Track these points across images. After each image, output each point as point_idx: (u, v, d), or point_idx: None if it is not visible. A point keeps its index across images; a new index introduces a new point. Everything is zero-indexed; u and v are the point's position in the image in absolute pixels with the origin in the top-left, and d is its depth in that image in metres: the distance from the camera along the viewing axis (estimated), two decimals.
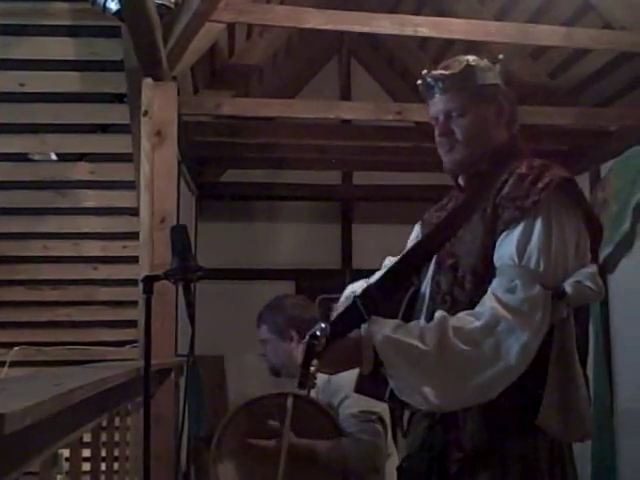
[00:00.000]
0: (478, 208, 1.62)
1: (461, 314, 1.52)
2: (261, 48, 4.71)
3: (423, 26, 3.59)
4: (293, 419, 2.42)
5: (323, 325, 1.53)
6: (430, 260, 1.68)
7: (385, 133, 4.80)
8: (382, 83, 5.99)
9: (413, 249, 1.73)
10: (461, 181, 1.78)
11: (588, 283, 1.50)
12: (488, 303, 1.50)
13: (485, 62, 1.72)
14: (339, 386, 2.53)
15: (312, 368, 1.51)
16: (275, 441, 2.40)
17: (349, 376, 2.58)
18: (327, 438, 2.48)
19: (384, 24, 3.58)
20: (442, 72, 1.71)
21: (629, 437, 4.17)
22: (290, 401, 2.45)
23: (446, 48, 4.79)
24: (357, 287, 1.84)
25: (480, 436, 1.53)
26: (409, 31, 3.59)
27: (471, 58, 1.71)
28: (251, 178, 5.77)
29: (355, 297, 1.61)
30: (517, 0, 4.28)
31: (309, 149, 5.19)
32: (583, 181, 4.76)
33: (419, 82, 1.76)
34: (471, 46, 3.71)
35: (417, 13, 4.70)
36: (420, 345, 1.47)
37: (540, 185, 1.54)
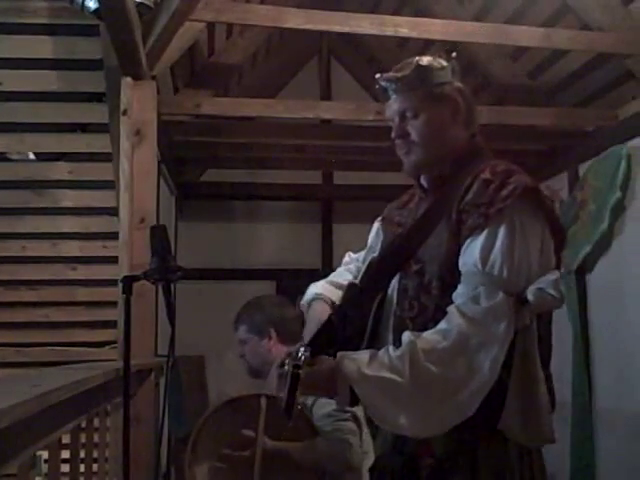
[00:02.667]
0: (444, 213, 1.62)
1: (428, 334, 1.52)
2: (241, 48, 4.71)
3: (403, 26, 3.60)
4: (267, 420, 2.43)
5: (304, 349, 1.53)
6: (399, 270, 1.68)
7: (365, 133, 4.81)
8: (362, 83, 6.00)
9: (381, 260, 1.74)
10: (423, 181, 1.78)
11: (550, 290, 1.50)
12: (454, 320, 1.50)
13: (438, 61, 1.72)
14: None
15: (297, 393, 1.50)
16: (249, 450, 2.40)
17: None
18: (302, 438, 2.49)
19: (364, 24, 3.59)
20: (394, 74, 1.72)
21: (608, 435, 4.20)
22: (264, 402, 2.46)
23: (426, 48, 4.81)
24: (319, 287, 1.88)
25: (450, 441, 1.54)
26: (389, 31, 3.60)
27: (424, 58, 1.71)
28: (231, 178, 5.76)
29: (330, 315, 1.64)
30: (496, 1, 4.31)
31: (289, 149, 5.19)
32: (561, 181, 4.80)
33: (376, 86, 1.78)
34: (451, 46, 3.73)
35: (397, 13, 4.72)
36: (395, 378, 1.46)
37: (504, 192, 1.54)
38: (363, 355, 1.53)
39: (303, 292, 1.94)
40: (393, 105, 1.73)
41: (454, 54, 1.76)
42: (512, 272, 1.51)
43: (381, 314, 1.69)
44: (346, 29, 3.60)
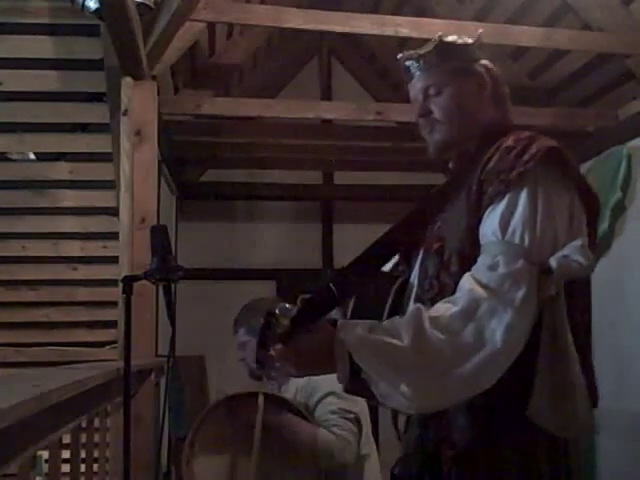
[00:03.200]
0: (464, 184, 1.51)
1: (439, 303, 1.41)
2: (241, 48, 4.71)
3: (403, 26, 3.60)
4: (265, 417, 2.44)
5: (288, 306, 1.44)
6: (411, 241, 1.59)
7: (366, 133, 4.82)
8: (363, 83, 6.00)
9: (392, 229, 1.59)
10: (451, 166, 1.68)
11: (576, 257, 1.37)
12: (466, 286, 1.38)
13: (463, 38, 1.64)
14: (317, 386, 2.57)
15: (274, 352, 1.42)
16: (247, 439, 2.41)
17: (328, 377, 2.59)
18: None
19: (364, 24, 3.59)
20: (416, 52, 1.64)
21: (608, 435, 4.20)
22: (261, 399, 2.47)
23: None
24: None
25: (471, 431, 1.42)
26: (390, 31, 3.60)
27: (448, 35, 1.64)
28: (232, 178, 5.76)
29: (329, 278, 1.50)
30: (497, 1, 4.31)
31: (290, 149, 5.19)
32: None
33: (400, 67, 1.68)
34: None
35: (397, 13, 4.72)
36: (395, 342, 1.36)
37: (526, 157, 1.43)
38: (363, 322, 1.43)
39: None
40: (416, 84, 1.64)
41: (480, 31, 1.68)
42: (534, 240, 1.39)
43: (401, 299, 1.59)
44: (346, 29, 3.60)
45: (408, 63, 1.65)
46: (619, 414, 4.12)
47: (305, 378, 2.61)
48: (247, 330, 2.73)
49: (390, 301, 1.59)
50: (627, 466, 3.99)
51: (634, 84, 4.06)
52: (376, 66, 5.93)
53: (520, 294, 1.35)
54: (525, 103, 4.54)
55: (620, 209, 4.12)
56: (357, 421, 2.58)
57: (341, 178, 6.03)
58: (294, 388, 2.68)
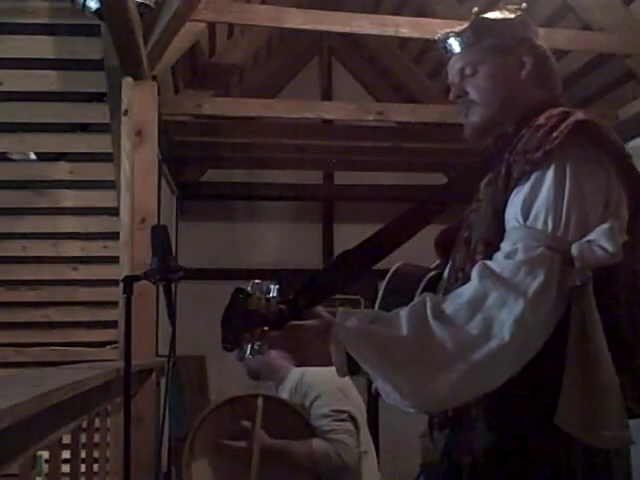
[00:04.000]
0: (493, 166, 1.39)
1: (450, 294, 1.29)
2: (242, 48, 4.71)
3: (404, 26, 3.60)
4: (264, 419, 2.44)
5: (258, 282, 1.35)
6: (418, 227, 1.43)
7: (366, 133, 4.81)
8: (363, 83, 6.00)
9: (409, 210, 1.47)
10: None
11: (602, 242, 1.21)
12: (475, 274, 1.26)
13: (503, 13, 1.50)
14: (310, 386, 2.58)
15: (253, 333, 1.30)
16: (247, 442, 2.41)
17: (320, 376, 2.58)
18: (298, 438, 2.50)
19: (365, 24, 3.59)
20: (452, 30, 1.52)
21: None
22: (260, 401, 2.46)
23: (427, 48, 4.81)
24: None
25: (490, 436, 1.30)
26: (390, 31, 3.60)
27: (486, 12, 1.51)
28: (232, 178, 5.76)
29: (334, 259, 1.39)
30: (496, 1, 4.30)
31: (290, 149, 5.19)
32: None
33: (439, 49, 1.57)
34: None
35: (398, 13, 4.72)
36: (393, 332, 1.24)
37: (555, 134, 1.28)
38: (364, 311, 1.32)
39: None
40: (453, 66, 1.51)
41: (524, 5, 1.55)
42: (559, 225, 1.25)
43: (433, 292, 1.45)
44: (347, 29, 3.60)
45: (444, 44, 1.54)
46: None
47: (298, 377, 2.62)
48: None
49: (420, 290, 1.48)
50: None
51: (634, 84, 4.06)
52: (376, 66, 5.93)
53: (535, 284, 1.21)
54: None
55: None
56: (352, 419, 2.57)
57: (341, 178, 6.03)
58: (289, 387, 2.68)
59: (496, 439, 1.30)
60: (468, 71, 1.49)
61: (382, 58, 5.71)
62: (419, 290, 1.48)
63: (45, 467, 2.36)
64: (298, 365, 2.41)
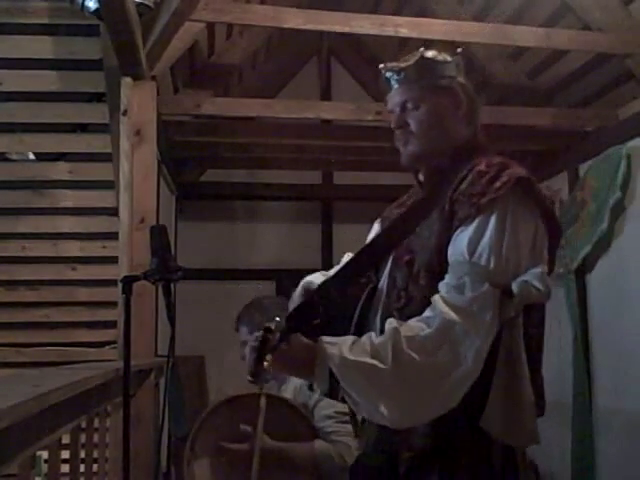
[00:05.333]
0: (437, 204, 1.58)
1: (412, 321, 1.48)
2: (241, 48, 4.71)
3: (403, 26, 3.60)
4: (267, 419, 2.43)
5: (279, 319, 1.52)
6: (387, 255, 1.67)
7: (365, 133, 4.81)
8: (362, 83, 6.00)
9: (370, 244, 1.72)
10: (421, 176, 1.75)
11: (535, 283, 1.45)
12: (438, 307, 1.46)
13: (443, 55, 1.70)
14: None
15: (266, 363, 1.49)
16: (248, 444, 2.40)
17: None
18: (301, 439, 2.49)
19: (364, 24, 3.59)
20: (397, 64, 1.71)
21: (608, 435, 4.20)
22: (263, 401, 2.46)
23: (426, 48, 4.81)
24: (313, 278, 1.87)
25: (428, 435, 1.49)
26: (389, 31, 3.60)
27: (428, 51, 1.71)
28: (231, 178, 5.76)
29: (313, 291, 1.63)
30: (496, 1, 4.31)
31: (289, 149, 5.19)
32: (561, 181, 4.80)
33: (380, 77, 1.76)
34: (450, 46, 3.73)
35: (397, 13, 4.72)
36: (377, 364, 1.42)
37: (498, 184, 1.50)
38: (345, 339, 1.49)
39: None
40: (395, 97, 1.71)
41: (459, 50, 1.75)
42: (499, 264, 1.47)
43: (370, 305, 1.68)
44: (346, 29, 3.60)
45: (388, 75, 1.72)
46: (618, 414, 4.12)
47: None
48: (250, 329, 2.73)
49: (360, 306, 1.68)
50: (626, 466, 3.99)
51: (634, 84, 4.06)
52: (376, 66, 5.90)
53: (487, 318, 1.44)
54: (525, 103, 4.55)
55: (619, 209, 4.13)
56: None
57: (341, 178, 6.03)
58: (292, 387, 2.67)
59: (433, 439, 1.50)
60: (410, 105, 1.68)
61: (381, 58, 5.69)
62: (361, 301, 1.69)
63: (44, 467, 2.36)
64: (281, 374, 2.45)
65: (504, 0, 4.26)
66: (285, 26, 3.61)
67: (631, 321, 4.05)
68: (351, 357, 1.44)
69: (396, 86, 1.71)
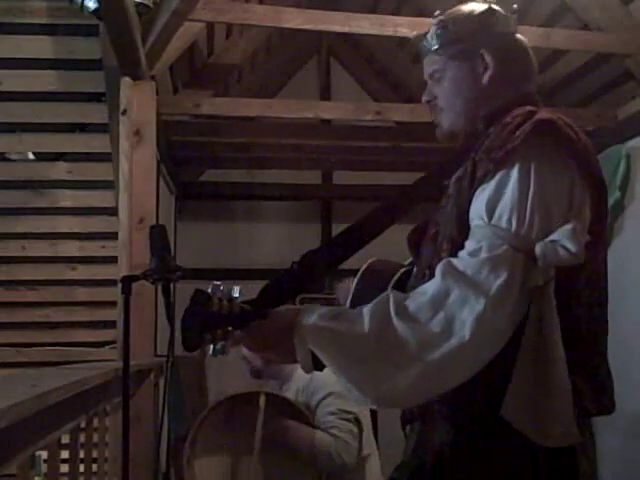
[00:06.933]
0: (461, 166, 1.40)
1: (412, 292, 1.30)
2: (240, 47, 4.71)
3: (403, 26, 3.60)
4: (266, 418, 2.43)
5: (235, 287, 1.36)
6: (385, 225, 1.54)
7: (365, 133, 4.81)
8: (362, 83, 6.00)
9: (362, 219, 1.55)
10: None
11: (565, 242, 1.21)
12: (438, 272, 1.26)
13: (465, 11, 1.52)
14: (319, 386, 2.56)
15: (218, 333, 1.30)
16: (247, 441, 2.41)
17: (330, 377, 2.59)
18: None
19: (364, 24, 3.59)
20: (421, 33, 1.56)
21: (608, 435, 4.19)
22: (262, 399, 2.46)
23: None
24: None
25: (448, 431, 1.32)
26: (389, 31, 3.60)
27: (447, 14, 1.53)
28: (231, 178, 5.76)
29: (292, 263, 1.45)
30: (495, 1, 4.30)
31: (289, 149, 5.19)
32: None
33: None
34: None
35: (397, 13, 4.72)
36: (355, 329, 1.24)
37: (518, 132, 1.28)
38: (327, 308, 1.32)
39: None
40: (425, 67, 1.54)
41: (486, 6, 1.56)
42: (523, 224, 1.25)
43: (403, 290, 1.44)
44: (346, 29, 3.60)
45: (417, 45, 1.57)
46: (619, 414, 4.11)
47: (307, 378, 2.61)
48: None
49: (391, 287, 1.50)
50: (627, 466, 3.99)
51: (633, 84, 4.06)
52: (375, 66, 5.93)
53: (498, 282, 1.21)
54: None
55: (619, 209, 4.13)
56: (357, 421, 2.58)
57: (340, 178, 6.03)
58: (295, 388, 2.68)
59: (453, 436, 1.31)
60: (437, 76, 1.51)
61: (381, 58, 5.71)
62: (390, 287, 1.49)
63: (44, 467, 2.36)
64: (266, 363, 2.43)
65: (504, 0, 4.25)
66: (284, 26, 3.61)
67: (632, 320, 4.05)
68: (328, 323, 1.27)
69: (425, 55, 1.54)
